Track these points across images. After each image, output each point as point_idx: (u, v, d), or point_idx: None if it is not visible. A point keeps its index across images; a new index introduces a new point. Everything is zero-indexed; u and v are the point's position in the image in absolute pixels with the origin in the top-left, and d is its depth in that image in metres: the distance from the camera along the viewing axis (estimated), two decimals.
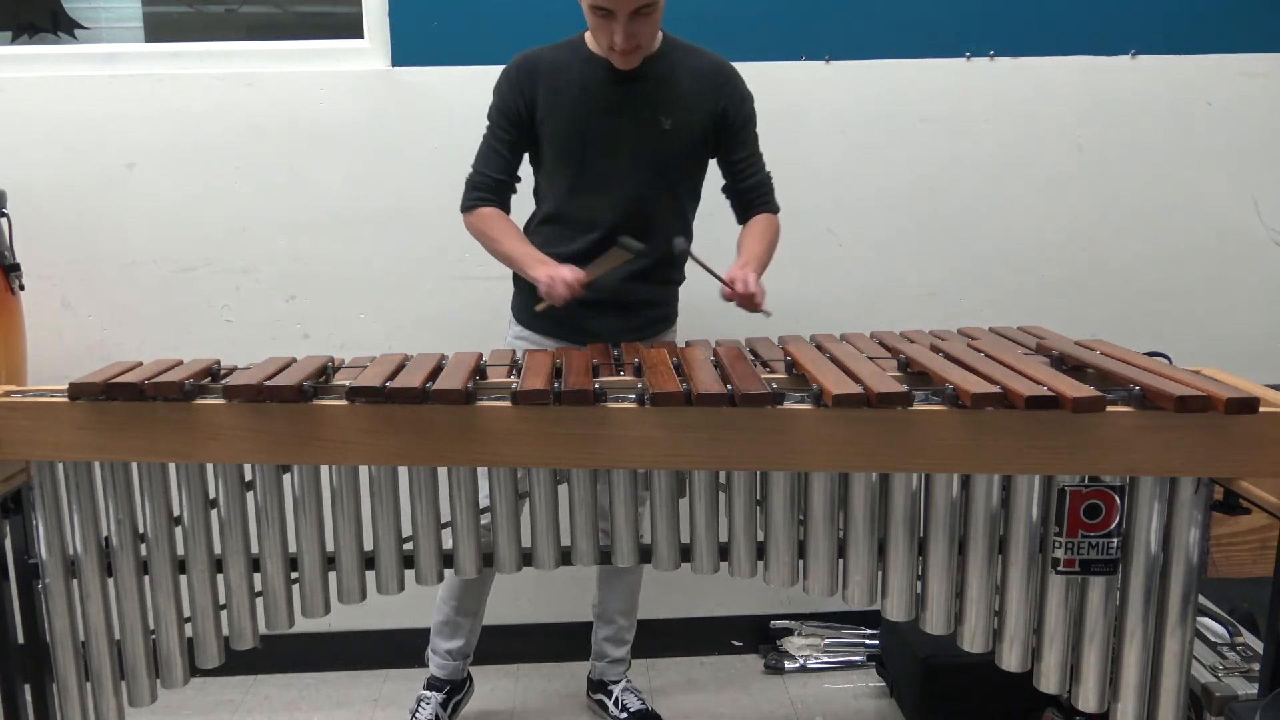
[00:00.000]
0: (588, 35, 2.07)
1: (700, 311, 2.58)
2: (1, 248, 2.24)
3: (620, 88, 2.05)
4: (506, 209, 2.13)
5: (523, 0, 2.43)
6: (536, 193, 2.19)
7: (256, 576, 1.68)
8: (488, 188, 2.10)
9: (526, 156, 2.15)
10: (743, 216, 2.19)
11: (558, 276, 1.92)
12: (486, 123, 2.11)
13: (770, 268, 2.55)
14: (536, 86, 2.05)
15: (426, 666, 2.41)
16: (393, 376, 1.61)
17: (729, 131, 2.11)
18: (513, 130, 2.08)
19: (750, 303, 1.98)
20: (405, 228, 2.51)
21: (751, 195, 2.17)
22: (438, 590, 2.34)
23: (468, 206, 2.12)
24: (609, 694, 2.42)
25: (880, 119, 2.54)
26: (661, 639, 2.71)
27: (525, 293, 2.15)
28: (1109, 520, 1.54)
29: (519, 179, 2.15)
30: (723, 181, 2.19)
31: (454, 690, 2.40)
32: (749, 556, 1.63)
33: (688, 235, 2.16)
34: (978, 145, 2.57)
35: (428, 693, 2.39)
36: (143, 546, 1.65)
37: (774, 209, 2.19)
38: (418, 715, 2.35)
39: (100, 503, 1.63)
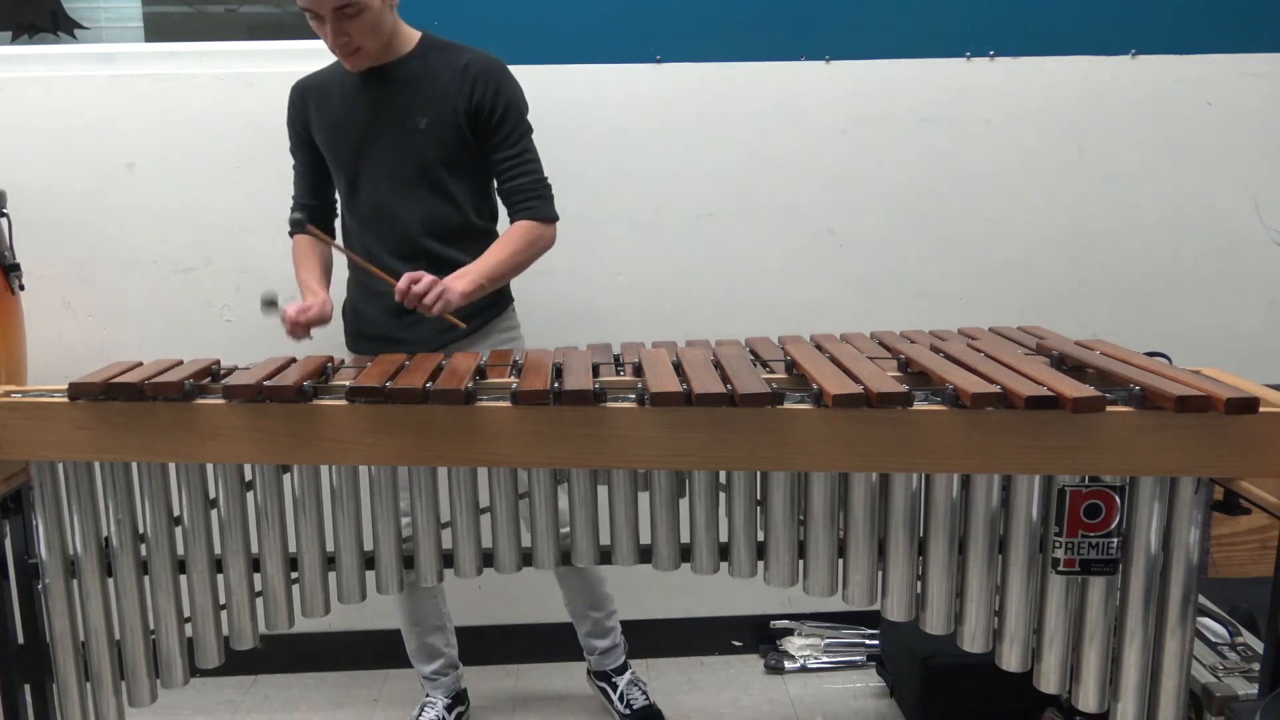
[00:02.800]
0: None
1: (698, 311, 2.59)
2: (1, 248, 2.24)
3: (372, 93, 2.06)
4: (328, 230, 2.20)
5: (521, 1, 2.43)
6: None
7: (256, 576, 1.68)
8: (300, 211, 2.18)
9: None
10: (510, 219, 2.10)
11: (286, 320, 1.99)
12: None
13: (770, 268, 2.57)
14: (308, 106, 2.14)
15: None
16: (393, 376, 1.61)
17: (485, 129, 2.04)
18: (305, 153, 2.18)
19: (423, 307, 1.90)
20: None
21: (515, 199, 2.07)
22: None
23: (289, 234, 2.20)
24: (614, 686, 2.41)
25: (880, 119, 2.54)
26: (661, 639, 2.71)
27: (346, 319, 2.23)
28: (1109, 520, 1.54)
29: (333, 200, 2.21)
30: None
31: (456, 700, 2.40)
32: (749, 556, 1.63)
33: (476, 230, 2.11)
34: (978, 145, 2.57)
35: (432, 697, 2.39)
36: (143, 546, 1.65)
37: (540, 215, 2.07)
38: (422, 718, 2.35)
39: (100, 503, 1.63)
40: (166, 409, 1.56)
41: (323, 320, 2.03)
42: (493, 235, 2.15)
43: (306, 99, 2.14)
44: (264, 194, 2.48)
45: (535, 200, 2.08)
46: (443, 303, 1.90)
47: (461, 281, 1.95)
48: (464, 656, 2.45)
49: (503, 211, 2.14)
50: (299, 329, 1.99)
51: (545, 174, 2.11)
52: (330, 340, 2.18)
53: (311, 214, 2.15)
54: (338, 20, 1.92)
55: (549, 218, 2.10)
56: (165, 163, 2.46)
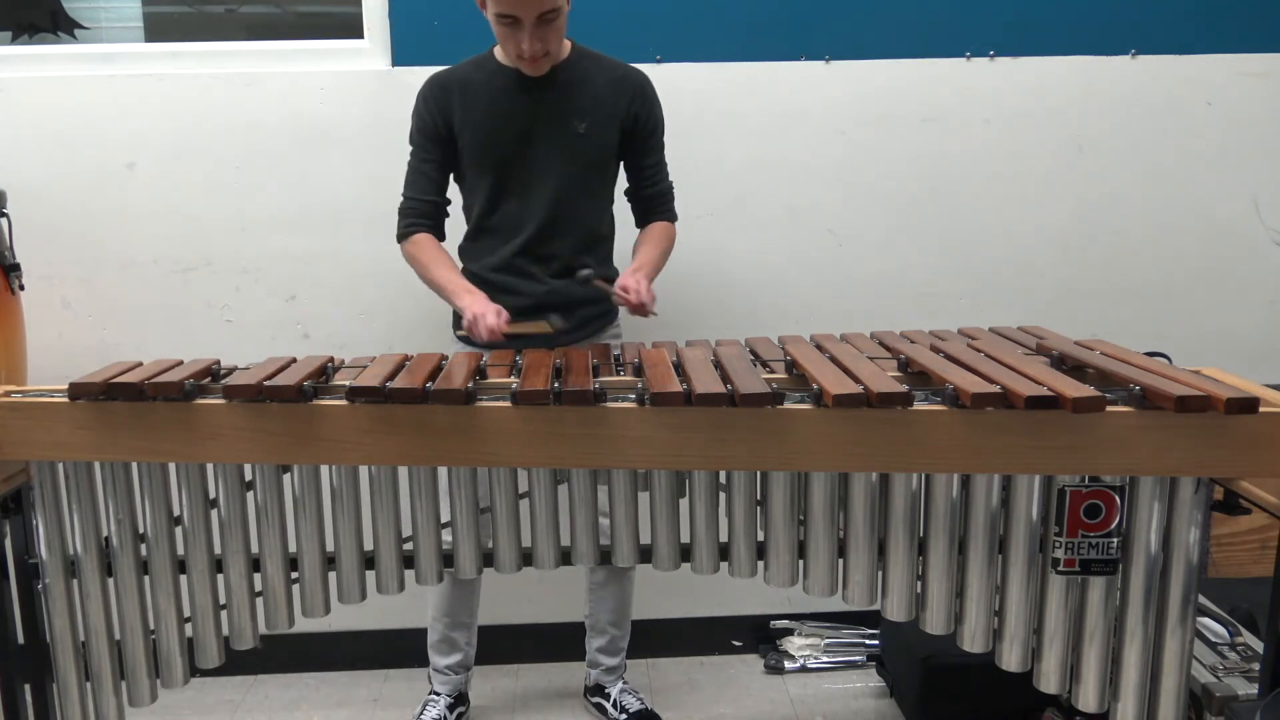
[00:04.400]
0: (496, 50, 2.11)
1: (698, 311, 2.59)
2: (1, 248, 2.24)
3: (531, 95, 2.08)
4: (440, 232, 2.17)
5: None
6: (464, 209, 2.21)
7: (256, 576, 1.68)
8: (419, 213, 2.14)
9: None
10: (641, 221, 2.24)
11: (481, 317, 1.94)
12: (409, 147, 2.14)
13: (770, 268, 2.58)
14: (451, 102, 2.10)
15: (427, 666, 2.42)
16: (393, 376, 1.61)
17: (639, 137, 2.15)
18: (436, 149, 2.12)
19: (641, 310, 2.03)
20: None
21: (655, 202, 2.21)
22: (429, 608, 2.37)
23: (402, 235, 2.16)
24: (607, 696, 2.41)
25: (880, 119, 2.54)
26: (661, 639, 2.71)
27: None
28: (1109, 520, 1.54)
29: (449, 200, 2.19)
30: (627, 185, 2.22)
31: (459, 700, 2.40)
32: (749, 556, 1.63)
33: (605, 233, 2.21)
34: (978, 145, 2.57)
35: (434, 696, 2.39)
36: (143, 546, 1.65)
37: (672, 218, 2.24)
38: (423, 716, 2.35)
39: (100, 503, 1.63)
40: (167, 409, 1.56)
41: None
42: (610, 244, 2.23)
43: (449, 95, 2.10)
44: (264, 194, 2.48)
45: (670, 204, 2.24)
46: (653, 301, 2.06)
47: (648, 280, 2.08)
48: None
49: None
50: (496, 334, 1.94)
51: None
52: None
53: (432, 213, 2.14)
54: (538, 26, 1.94)
55: (676, 218, 2.25)
56: (165, 163, 2.46)
